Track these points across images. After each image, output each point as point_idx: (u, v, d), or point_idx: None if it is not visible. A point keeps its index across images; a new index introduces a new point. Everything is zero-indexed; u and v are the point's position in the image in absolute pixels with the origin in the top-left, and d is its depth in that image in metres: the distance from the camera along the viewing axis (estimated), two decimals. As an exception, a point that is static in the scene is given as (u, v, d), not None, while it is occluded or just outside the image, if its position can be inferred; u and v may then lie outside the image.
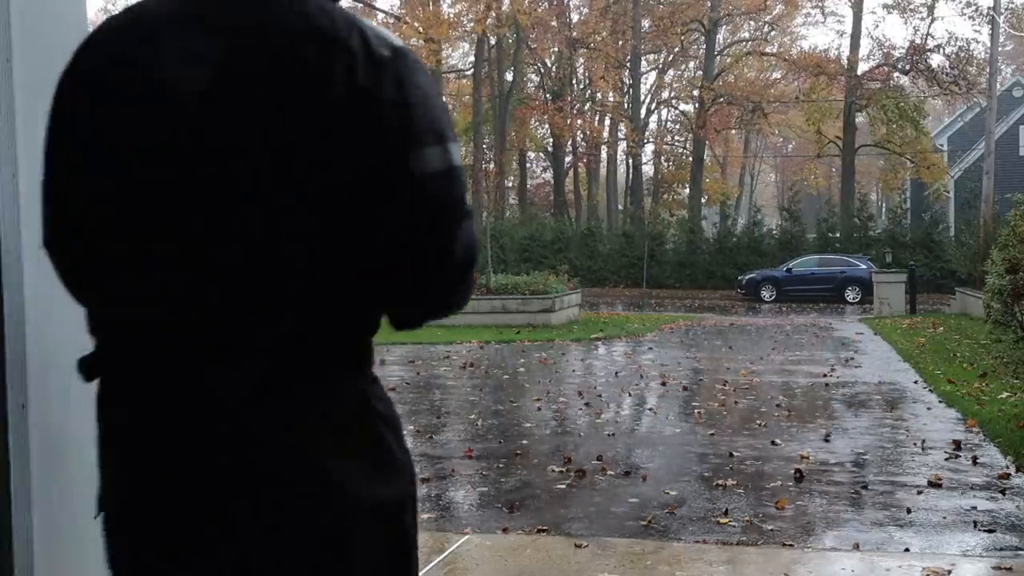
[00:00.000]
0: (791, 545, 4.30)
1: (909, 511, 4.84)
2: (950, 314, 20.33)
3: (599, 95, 42.36)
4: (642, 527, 4.64)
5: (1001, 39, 30.25)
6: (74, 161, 1.19)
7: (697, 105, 40.06)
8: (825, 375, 10.46)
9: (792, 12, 42.37)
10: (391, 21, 37.44)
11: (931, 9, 36.31)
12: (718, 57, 41.05)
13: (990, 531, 4.50)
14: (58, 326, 1.94)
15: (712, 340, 15.12)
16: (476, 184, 37.76)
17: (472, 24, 37.31)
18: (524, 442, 6.79)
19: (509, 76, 40.07)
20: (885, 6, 36.99)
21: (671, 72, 45.29)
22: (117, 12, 1.26)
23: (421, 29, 35.29)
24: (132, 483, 1.19)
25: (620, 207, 44.86)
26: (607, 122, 43.36)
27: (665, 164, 48.24)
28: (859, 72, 36.92)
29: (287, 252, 1.12)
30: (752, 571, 3.90)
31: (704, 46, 40.66)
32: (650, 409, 8.40)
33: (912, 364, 11.22)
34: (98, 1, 74.55)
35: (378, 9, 39.39)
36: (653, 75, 45.51)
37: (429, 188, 1.14)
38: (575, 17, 41.80)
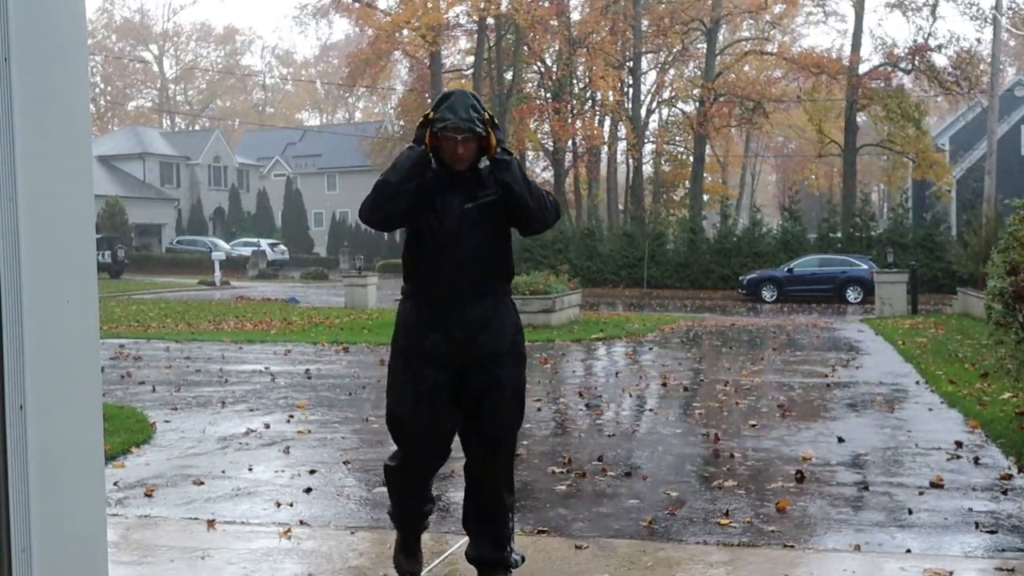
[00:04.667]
0: (792, 546, 4.29)
1: (911, 512, 4.83)
2: (952, 314, 20.32)
3: (599, 95, 42.32)
4: (643, 528, 4.63)
5: (1004, 38, 30.21)
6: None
7: (698, 104, 40.04)
8: (826, 375, 10.45)
9: (793, 11, 42.32)
10: (387, 19, 37.44)
11: (934, 8, 36.29)
12: (719, 56, 41.02)
13: (992, 532, 4.49)
14: (57, 328, 1.93)
15: (713, 340, 15.11)
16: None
17: (473, 16, 37.38)
18: (524, 443, 6.78)
19: (509, 76, 40.06)
20: (888, 5, 36.96)
21: (671, 71, 45.29)
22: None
23: (418, 25, 35.26)
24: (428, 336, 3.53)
25: (620, 207, 44.83)
26: (607, 122, 43.33)
27: (665, 164, 48.23)
28: (861, 72, 36.90)
29: None
30: (753, 572, 3.89)
31: (705, 45, 40.63)
32: (650, 410, 8.39)
33: (914, 364, 11.21)
34: (96, 1, 74.45)
35: (378, 9, 39.38)
36: (653, 75, 45.53)
37: None
38: (575, 16, 41.79)
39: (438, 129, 3.43)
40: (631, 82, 41.37)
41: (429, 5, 35.37)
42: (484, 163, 3.52)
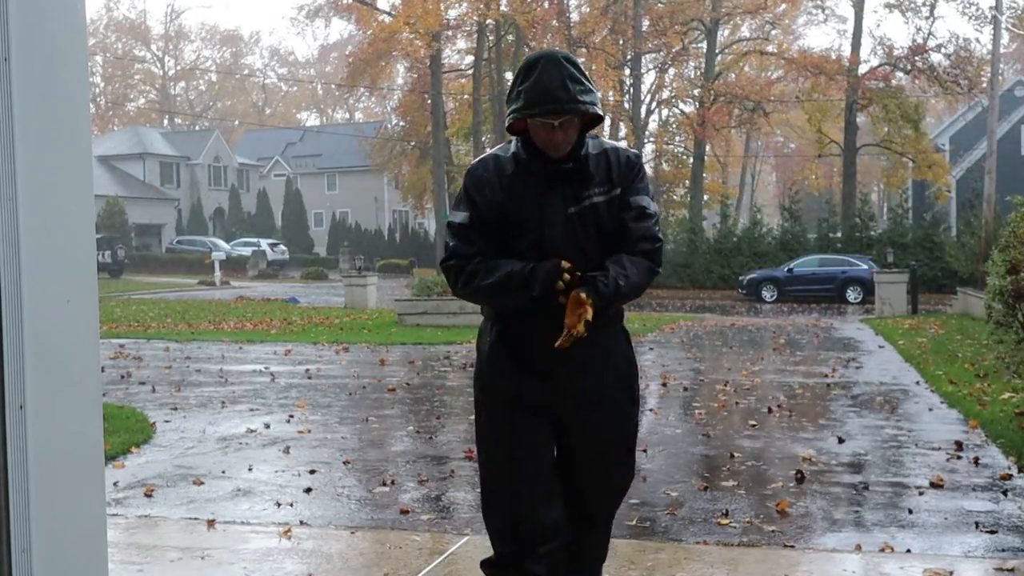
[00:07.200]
0: (792, 546, 4.29)
1: (911, 512, 4.83)
2: (952, 314, 20.32)
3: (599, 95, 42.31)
4: (643, 528, 4.63)
5: (1004, 39, 30.23)
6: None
7: (697, 104, 40.04)
8: (826, 376, 10.45)
9: (793, 11, 42.29)
10: (386, 19, 37.44)
11: (932, 8, 36.31)
12: (719, 56, 41.03)
13: (992, 532, 4.49)
14: (57, 328, 1.93)
15: (713, 340, 15.11)
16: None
17: (472, 16, 37.35)
18: (525, 442, 6.76)
19: (509, 76, 40.07)
20: (887, 5, 36.95)
21: (671, 71, 45.29)
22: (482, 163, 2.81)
23: (415, 23, 35.26)
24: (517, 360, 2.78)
25: (620, 207, 44.74)
26: (607, 122, 43.30)
27: (665, 164, 48.24)
28: (860, 72, 36.90)
29: None
30: (753, 572, 3.89)
31: (704, 45, 40.63)
32: (651, 410, 8.39)
33: (914, 365, 11.21)
34: (97, 1, 74.48)
35: (378, 10, 39.38)
36: (653, 75, 45.52)
37: None
38: (575, 16, 41.79)
39: (524, 116, 2.65)
40: (631, 82, 41.37)
41: (429, 7, 35.37)
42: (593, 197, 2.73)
